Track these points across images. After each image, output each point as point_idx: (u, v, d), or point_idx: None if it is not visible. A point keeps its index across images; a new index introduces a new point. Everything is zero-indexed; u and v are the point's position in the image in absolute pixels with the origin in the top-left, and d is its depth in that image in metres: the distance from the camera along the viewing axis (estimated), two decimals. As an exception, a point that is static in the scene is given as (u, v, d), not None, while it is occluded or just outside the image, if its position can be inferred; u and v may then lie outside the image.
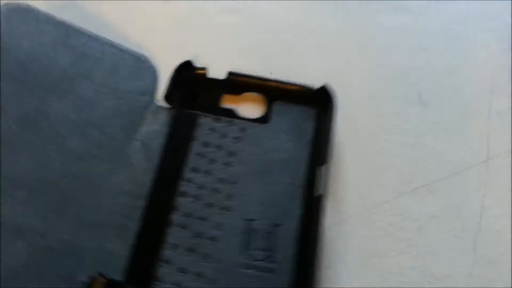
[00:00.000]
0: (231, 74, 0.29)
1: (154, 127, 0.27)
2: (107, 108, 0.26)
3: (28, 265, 0.22)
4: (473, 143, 0.29)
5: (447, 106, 0.30)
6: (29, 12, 0.26)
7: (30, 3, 0.27)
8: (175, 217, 0.25)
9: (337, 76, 0.29)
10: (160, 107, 0.28)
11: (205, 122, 0.28)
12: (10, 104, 0.24)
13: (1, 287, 0.21)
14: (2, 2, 0.26)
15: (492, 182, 0.28)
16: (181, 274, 0.24)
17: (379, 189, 0.27)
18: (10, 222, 0.22)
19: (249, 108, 0.29)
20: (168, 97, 0.28)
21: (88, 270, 0.23)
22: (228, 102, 0.29)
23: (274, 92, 0.29)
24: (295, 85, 0.29)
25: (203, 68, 0.29)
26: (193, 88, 0.29)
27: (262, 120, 0.28)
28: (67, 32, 0.27)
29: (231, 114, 0.28)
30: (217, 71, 0.29)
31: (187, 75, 0.29)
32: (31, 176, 0.23)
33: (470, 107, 0.30)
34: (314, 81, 0.28)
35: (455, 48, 0.32)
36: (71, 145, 0.25)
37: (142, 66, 0.28)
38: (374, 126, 0.29)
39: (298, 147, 0.27)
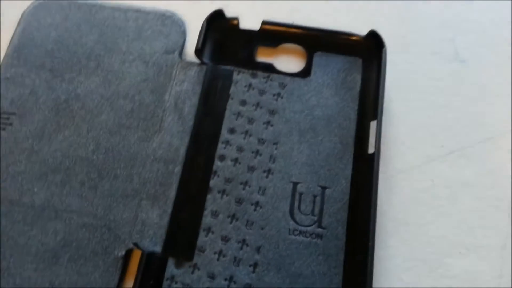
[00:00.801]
0: (265, 23, 0.26)
1: (186, 86, 0.25)
2: (135, 75, 0.26)
3: (66, 244, 0.22)
4: (512, 106, 0.26)
5: (486, 65, 0.27)
6: (52, 4, 0.28)
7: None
8: (214, 182, 0.23)
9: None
10: (190, 63, 0.26)
11: (241, 78, 0.26)
12: (44, 93, 0.25)
13: (43, 265, 0.22)
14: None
15: (531, 148, 0.25)
16: (224, 242, 0.22)
17: (409, 153, 0.25)
18: (49, 205, 0.23)
19: (287, 61, 0.26)
20: (199, 51, 0.25)
21: (123, 243, 0.22)
22: (264, 56, 0.27)
23: (314, 42, 0.26)
24: (338, 33, 0.26)
25: (235, 18, 0.27)
26: (225, 41, 0.27)
27: (303, 73, 0.26)
28: (90, 11, 0.27)
29: (268, 68, 0.26)
30: (247, 22, 0.27)
31: (219, 26, 0.26)
32: (66, 158, 0.24)
33: (510, 65, 0.27)
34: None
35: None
36: (101, 120, 0.25)
37: (167, 22, 0.27)
38: (404, 84, 0.27)
39: (344, 101, 0.25)
